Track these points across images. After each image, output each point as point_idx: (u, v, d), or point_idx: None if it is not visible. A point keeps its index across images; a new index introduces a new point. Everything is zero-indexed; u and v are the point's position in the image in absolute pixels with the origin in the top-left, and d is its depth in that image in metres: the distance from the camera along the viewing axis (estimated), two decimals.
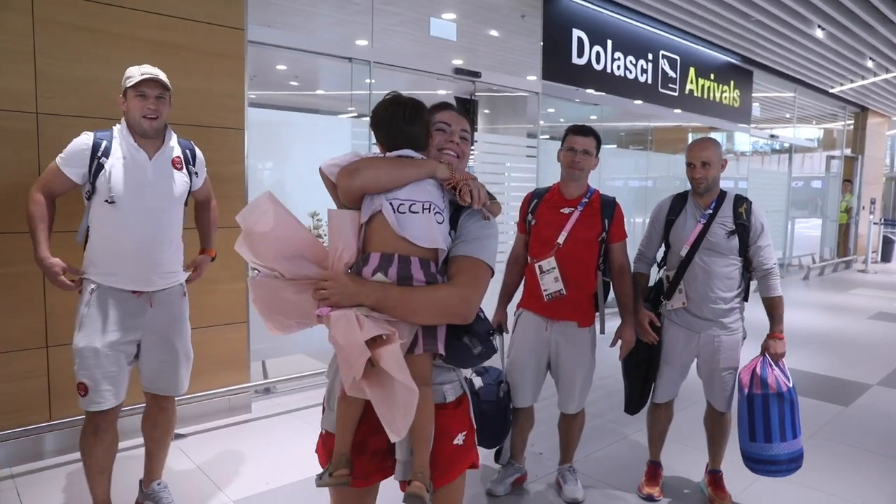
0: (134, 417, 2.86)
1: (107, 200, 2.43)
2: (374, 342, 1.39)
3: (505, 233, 3.13)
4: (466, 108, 9.03)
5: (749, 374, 2.79)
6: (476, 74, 5.46)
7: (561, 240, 2.81)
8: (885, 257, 14.07)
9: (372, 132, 1.65)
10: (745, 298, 2.94)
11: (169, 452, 2.85)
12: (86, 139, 2.48)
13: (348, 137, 4.79)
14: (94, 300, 2.48)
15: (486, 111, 11.35)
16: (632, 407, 3.08)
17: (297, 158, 4.52)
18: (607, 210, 2.88)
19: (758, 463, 2.80)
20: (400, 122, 1.59)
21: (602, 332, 2.98)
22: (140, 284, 2.52)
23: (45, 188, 2.48)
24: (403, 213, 1.50)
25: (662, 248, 3.05)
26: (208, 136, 3.66)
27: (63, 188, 2.50)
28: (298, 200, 4.11)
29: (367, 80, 4.69)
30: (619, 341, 2.96)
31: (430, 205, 1.52)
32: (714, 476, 3.07)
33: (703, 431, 3.11)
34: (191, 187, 2.71)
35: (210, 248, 3.01)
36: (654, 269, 3.12)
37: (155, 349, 2.63)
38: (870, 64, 8.99)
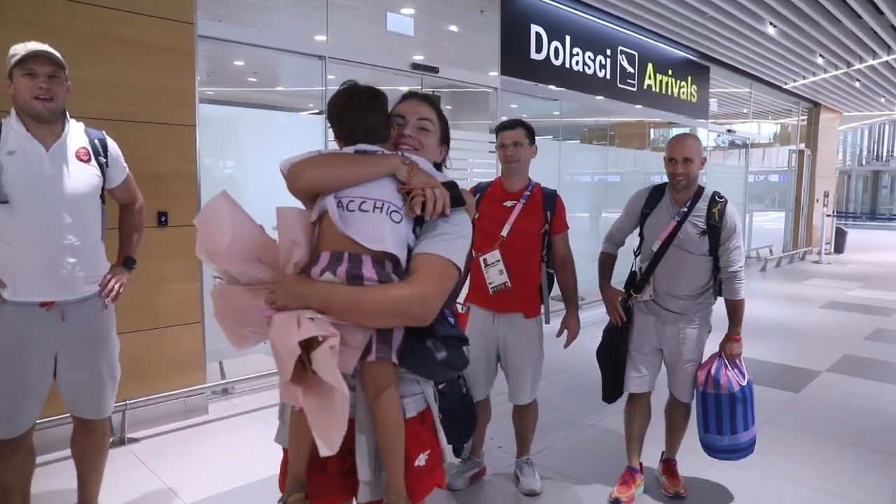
0: (64, 428, 2.61)
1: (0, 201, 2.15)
2: (311, 344, 1.27)
3: None
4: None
5: (705, 374, 2.86)
6: (434, 70, 5.45)
7: (504, 232, 2.85)
8: (839, 248, 14.53)
9: (329, 126, 1.56)
10: (718, 294, 2.95)
11: (120, 459, 2.73)
12: None
13: (308, 134, 4.73)
14: None
15: (449, 107, 11.33)
16: (608, 394, 3.06)
17: (255, 156, 4.44)
18: (549, 202, 2.92)
19: (713, 451, 2.97)
20: (356, 111, 1.48)
21: (547, 322, 3.02)
22: (47, 294, 2.24)
23: None
24: (352, 210, 1.38)
25: (637, 238, 3.06)
26: (158, 133, 3.59)
27: None
28: (257, 198, 4.04)
29: (324, 76, 4.64)
30: (566, 331, 3.01)
31: (384, 204, 1.39)
32: (668, 464, 3.12)
33: (662, 421, 3.15)
34: (104, 182, 2.41)
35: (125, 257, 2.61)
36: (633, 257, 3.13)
37: (73, 368, 2.35)
38: (820, 60, 9.25)
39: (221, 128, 4.20)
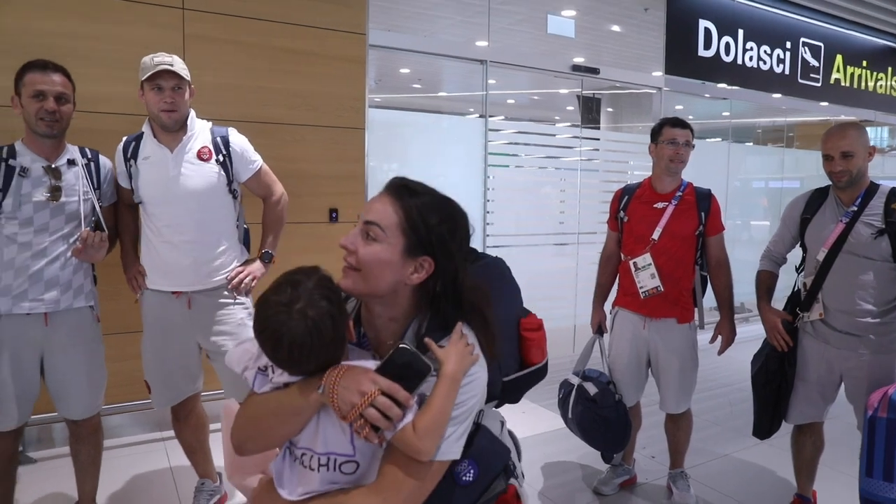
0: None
1: (137, 202, 2.45)
2: None
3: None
4: (589, 106, 8.80)
5: (879, 395, 2.31)
6: (594, 71, 5.37)
7: (656, 235, 2.73)
8: None
9: None
10: None
11: None
12: (120, 146, 2.47)
13: (468, 136, 4.85)
14: (142, 303, 2.53)
15: (610, 109, 11.05)
16: (761, 430, 2.72)
17: (418, 157, 4.67)
18: (703, 203, 2.76)
19: None
20: (284, 364, 1.19)
21: (701, 327, 2.87)
22: (175, 284, 2.44)
23: (121, 199, 2.54)
24: (305, 465, 1.18)
25: (800, 252, 2.72)
26: (331, 136, 3.91)
27: (129, 197, 2.50)
28: None
29: (484, 80, 4.76)
30: (719, 337, 2.84)
31: (329, 458, 1.16)
32: None
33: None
34: (230, 178, 2.48)
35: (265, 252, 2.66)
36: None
37: (208, 355, 2.56)
38: None
39: (387, 131, 4.47)
